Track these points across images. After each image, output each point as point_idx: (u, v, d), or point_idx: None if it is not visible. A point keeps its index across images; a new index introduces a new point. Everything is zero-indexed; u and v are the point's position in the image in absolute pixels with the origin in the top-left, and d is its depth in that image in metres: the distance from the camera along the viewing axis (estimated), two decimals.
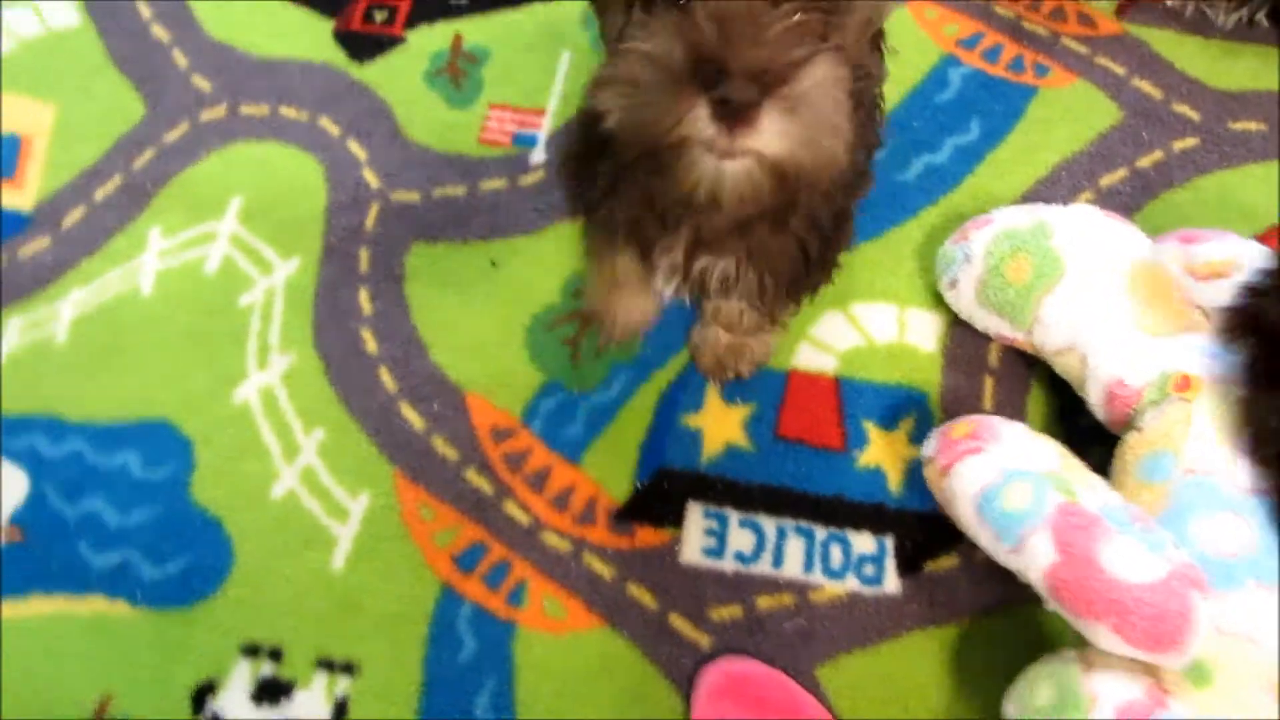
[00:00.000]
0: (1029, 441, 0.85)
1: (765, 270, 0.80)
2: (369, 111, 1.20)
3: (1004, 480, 0.81)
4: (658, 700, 0.91)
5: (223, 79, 1.21)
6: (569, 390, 1.04)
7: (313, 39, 1.25)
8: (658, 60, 0.54)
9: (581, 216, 0.89)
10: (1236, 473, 0.80)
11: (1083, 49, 1.26)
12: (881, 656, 0.92)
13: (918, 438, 1.01)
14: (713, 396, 1.03)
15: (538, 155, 1.17)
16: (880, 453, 1.01)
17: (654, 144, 0.56)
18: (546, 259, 1.11)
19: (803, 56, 0.54)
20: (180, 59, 1.23)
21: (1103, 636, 0.75)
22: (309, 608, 0.94)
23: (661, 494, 0.98)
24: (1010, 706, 0.82)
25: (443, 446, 1.00)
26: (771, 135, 0.54)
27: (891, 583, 0.95)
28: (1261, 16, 1.26)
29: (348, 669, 0.92)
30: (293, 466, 0.99)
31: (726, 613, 0.94)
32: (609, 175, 0.76)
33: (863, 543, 0.96)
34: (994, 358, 1.05)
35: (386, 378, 1.04)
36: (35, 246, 1.11)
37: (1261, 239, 1.05)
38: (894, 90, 1.21)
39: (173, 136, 1.17)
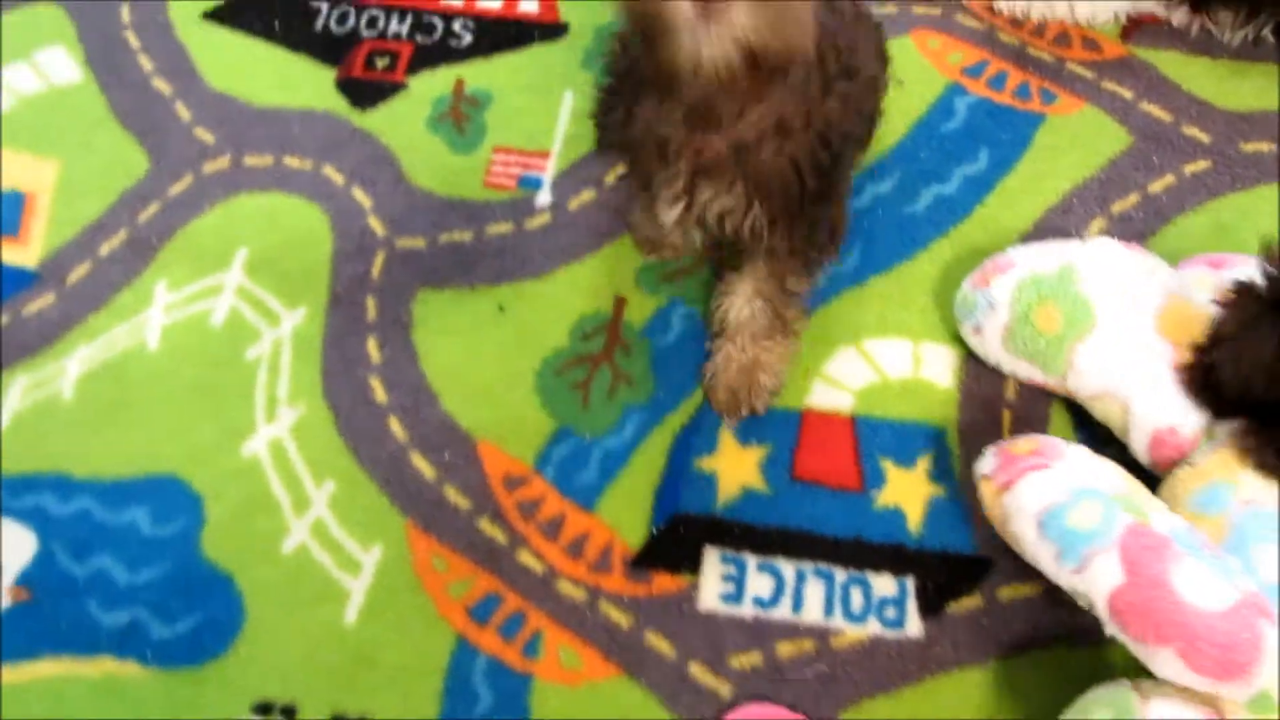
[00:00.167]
0: (1094, 461, 0.84)
1: (763, 197, 0.83)
2: (372, 159, 1.19)
3: (1072, 499, 0.79)
4: None
5: (225, 130, 1.21)
6: (581, 435, 1.02)
7: (315, 87, 1.25)
8: None
9: (606, 148, 0.94)
10: None
11: (1089, 73, 1.25)
12: (905, 701, 0.90)
13: (936, 475, 1.00)
14: (727, 439, 1.02)
15: (543, 198, 1.16)
16: (899, 492, 0.99)
17: (646, 21, 0.66)
18: (554, 302, 1.10)
19: None
20: (183, 111, 1.23)
21: (1166, 663, 0.74)
22: (322, 663, 0.92)
23: (677, 539, 0.97)
24: None
25: (455, 496, 0.99)
26: (741, 21, 0.63)
27: (914, 625, 0.93)
28: (1267, 33, 1.25)
29: None
30: (303, 520, 0.98)
31: (746, 660, 0.92)
32: (624, 112, 0.85)
33: (883, 585, 0.94)
34: (1011, 392, 1.03)
35: (396, 427, 1.02)
36: (41, 303, 1.10)
37: None
38: (900, 121, 1.20)
39: (177, 189, 1.17)
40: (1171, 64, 1.27)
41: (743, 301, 1.00)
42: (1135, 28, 1.29)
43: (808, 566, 0.96)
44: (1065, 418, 1.02)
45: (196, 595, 0.95)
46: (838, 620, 0.94)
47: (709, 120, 0.80)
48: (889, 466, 1.01)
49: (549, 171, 1.18)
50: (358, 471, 1.01)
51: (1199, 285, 0.96)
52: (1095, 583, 0.77)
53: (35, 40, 1.30)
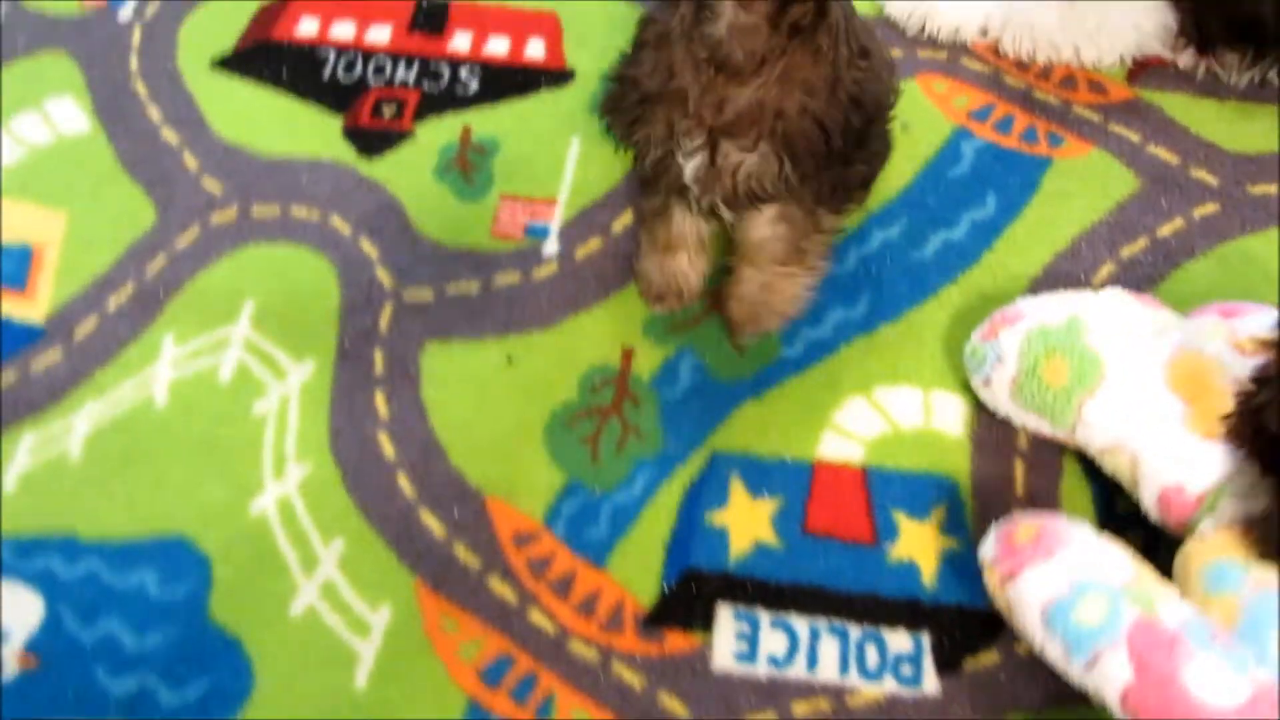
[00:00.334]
0: (1099, 548, 0.83)
1: (790, 155, 0.86)
2: (379, 208, 1.19)
3: (1076, 593, 0.79)
4: None
5: (233, 181, 1.21)
6: (590, 489, 1.02)
7: (322, 136, 1.25)
8: None
9: (623, 140, 0.96)
10: None
11: (1096, 117, 1.25)
12: None
13: (950, 527, 0.99)
14: (738, 491, 1.01)
15: (550, 247, 1.16)
16: (912, 545, 0.98)
17: None
18: (563, 353, 1.09)
19: None
20: (190, 162, 1.23)
21: None
22: None
23: (690, 597, 0.96)
24: None
25: (464, 554, 0.98)
26: None
27: (930, 683, 0.92)
28: (1273, 75, 1.25)
29: None
30: (312, 580, 0.97)
31: None
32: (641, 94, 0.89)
33: (899, 641, 0.94)
34: (1024, 441, 1.03)
35: (405, 484, 1.02)
36: (48, 359, 1.10)
37: None
38: (907, 166, 1.20)
39: (184, 241, 1.16)
40: (1179, 106, 1.27)
41: (764, 222, 1.01)
42: (1141, 70, 1.29)
43: (822, 623, 0.95)
44: (1078, 468, 1.01)
45: (205, 660, 0.94)
46: (853, 678, 0.93)
47: (730, 69, 0.82)
48: (902, 519, 1.00)
49: (556, 220, 1.18)
50: (366, 529, 1.00)
51: (1210, 335, 0.95)
52: (1105, 680, 0.76)
53: (44, 89, 1.30)
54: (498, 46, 1.32)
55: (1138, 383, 0.91)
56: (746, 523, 1.00)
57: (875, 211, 1.17)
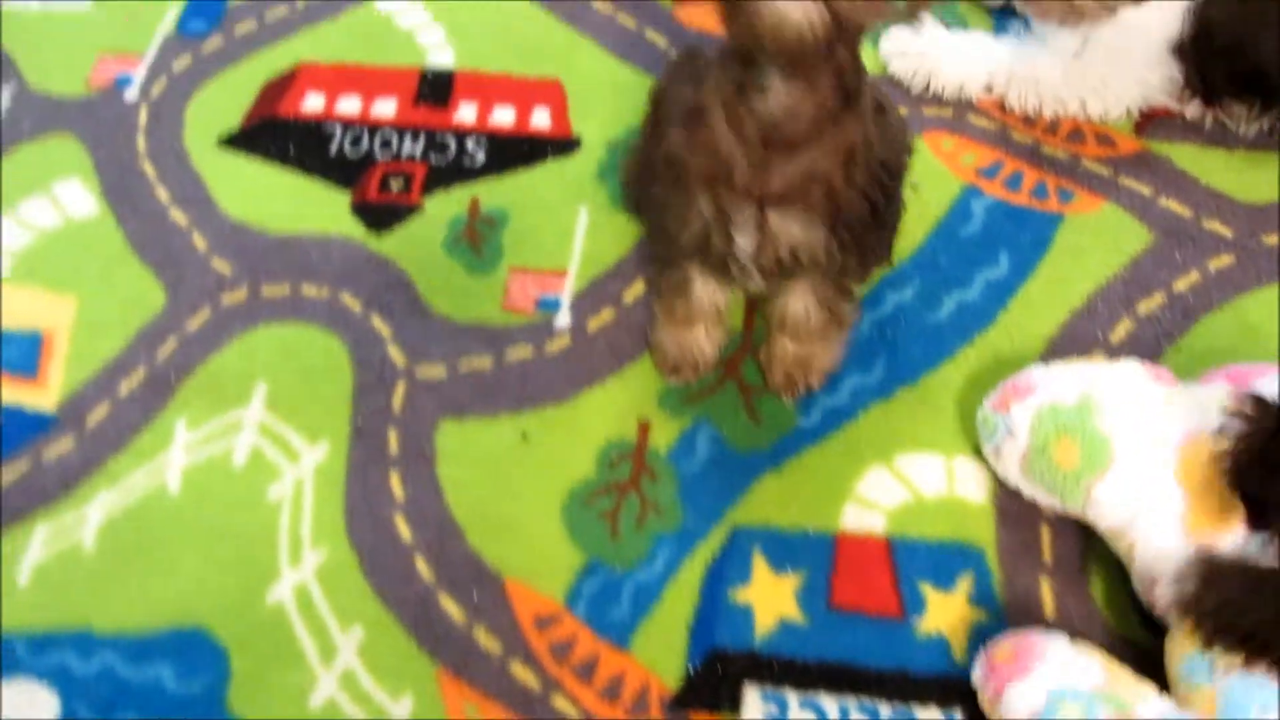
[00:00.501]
0: (1071, 657, 0.84)
1: (837, 224, 0.87)
2: (389, 284, 1.19)
3: (1052, 703, 0.80)
4: None
5: (242, 260, 1.21)
6: (611, 568, 1.01)
7: (330, 212, 1.25)
8: None
9: (649, 223, 0.97)
10: None
11: (1105, 170, 1.25)
12: None
13: (978, 598, 0.98)
14: (761, 567, 1.00)
15: (562, 319, 1.15)
16: (940, 618, 0.97)
17: None
18: (578, 428, 1.09)
19: None
20: (199, 242, 1.22)
21: None
22: None
23: (716, 678, 0.94)
24: None
25: (485, 639, 0.97)
26: None
27: None
28: None
29: None
30: (331, 671, 0.96)
31: None
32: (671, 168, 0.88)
33: (931, 719, 0.92)
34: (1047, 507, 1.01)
35: (423, 567, 1.01)
36: (60, 448, 1.09)
37: None
38: (917, 227, 1.20)
39: (195, 324, 1.16)
40: (1188, 157, 1.26)
41: (798, 301, 1.02)
42: (1149, 121, 1.29)
43: (851, 702, 0.93)
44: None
45: None
46: None
47: (781, 142, 0.82)
48: (929, 590, 0.98)
49: (567, 291, 1.17)
50: (385, 616, 0.99)
51: (1217, 408, 0.94)
52: None
53: (51, 172, 1.31)
54: (503, 117, 1.32)
55: (1145, 472, 0.91)
56: (771, 599, 0.99)
57: (887, 274, 1.17)
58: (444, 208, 1.25)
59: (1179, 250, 1.19)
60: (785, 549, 1.01)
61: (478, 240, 1.22)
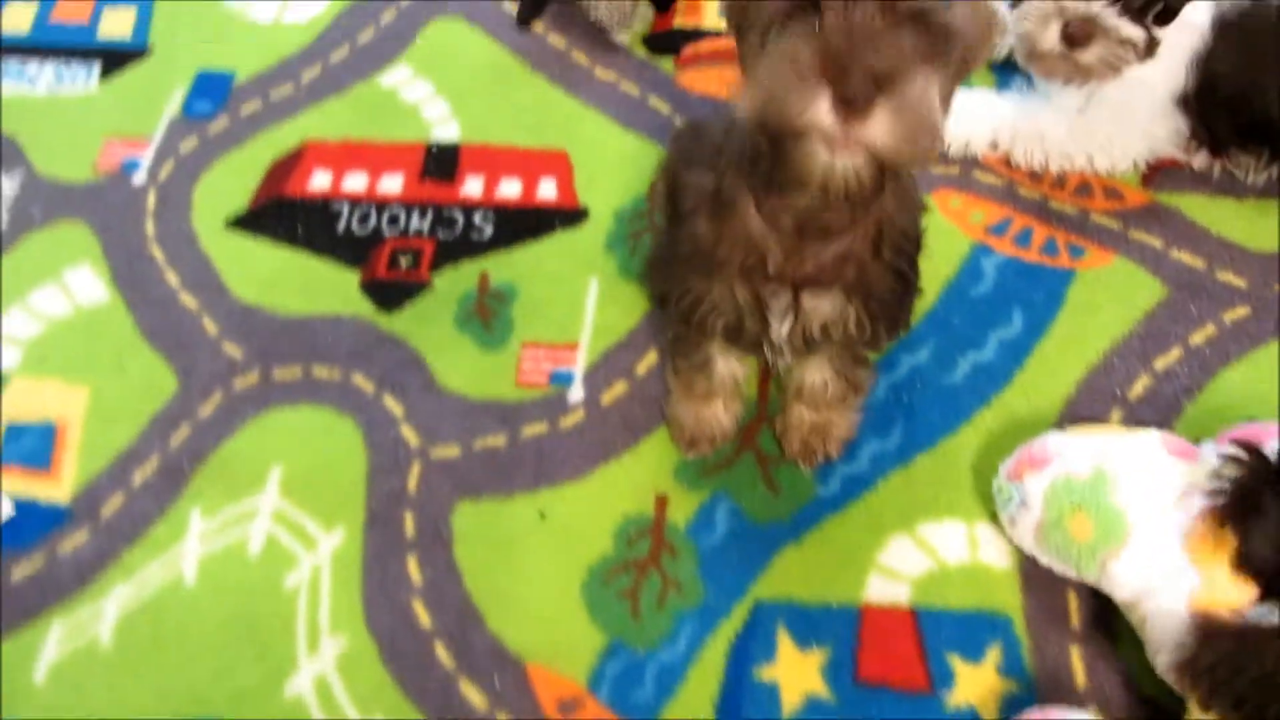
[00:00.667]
0: None
1: (868, 298, 0.87)
2: (401, 363, 1.18)
3: None
4: None
5: (253, 343, 1.21)
6: (633, 649, 0.99)
7: (340, 292, 1.25)
8: (792, 60, 0.65)
9: (676, 312, 0.95)
10: None
11: (1115, 224, 1.24)
12: None
13: (1007, 669, 0.96)
14: (785, 643, 0.99)
15: (575, 393, 1.15)
16: (970, 689, 0.95)
17: (781, 130, 0.67)
18: (595, 505, 1.08)
19: (912, 67, 0.65)
20: (210, 326, 1.22)
21: None
22: None
23: None
24: None
25: None
26: (880, 129, 0.64)
27: None
28: None
29: None
30: None
31: None
32: (698, 254, 0.88)
33: None
34: None
35: (443, 654, 1.00)
36: (75, 541, 1.09)
37: None
38: (929, 287, 1.19)
39: (207, 410, 1.16)
40: (1197, 208, 1.26)
41: (815, 370, 1.02)
42: (1156, 173, 1.29)
43: None
44: None
45: None
46: None
47: (821, 233, 0.82)
48: (957, 662, 0.97)
49: (579, 365, 1.17)
50: (406, 705, 0.98)
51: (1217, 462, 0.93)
52: None
53: (61, 260, 1.31)
54: (510, 189, 1.32)
55: (1159, 549, 0.90)
56: (797, 676, 0.97)
57: (903, 336, 1.16)
58: (454, 283, 1.25)
59: (1193, 303, 1.18)
60: (809, 623, 1.00)
61: (488, 315, 1.21)
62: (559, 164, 1.34)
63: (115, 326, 1.24)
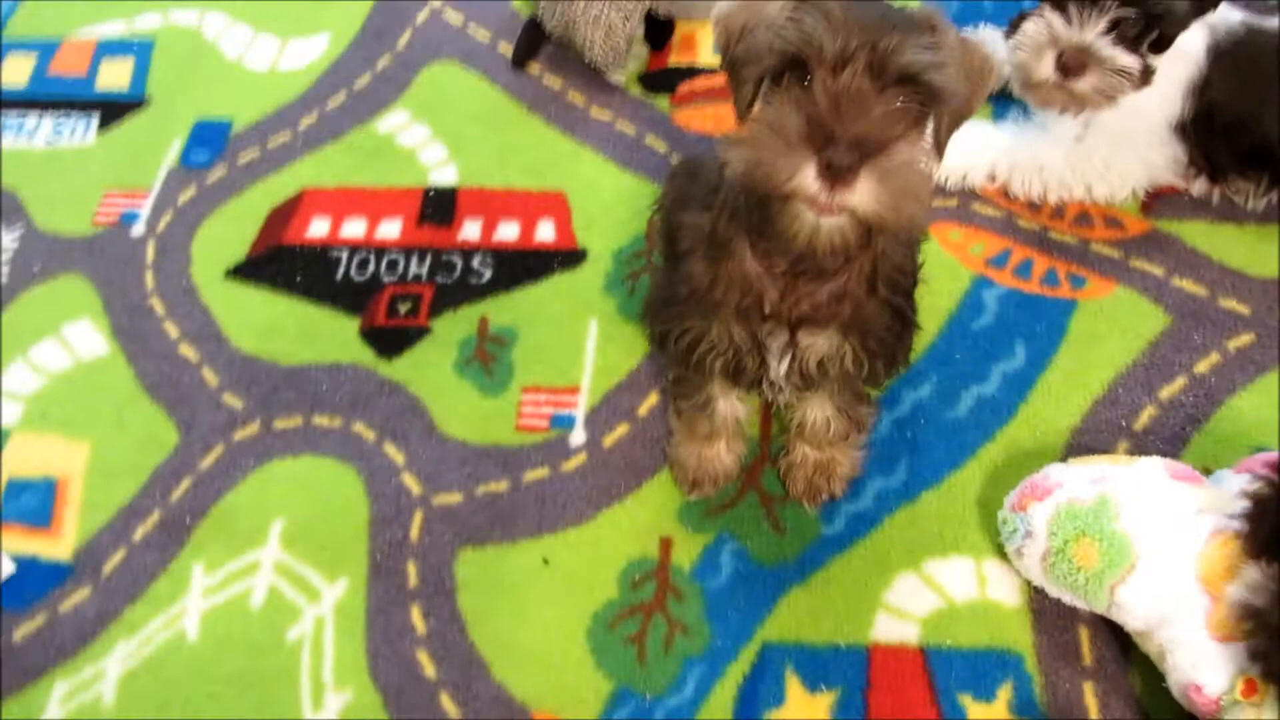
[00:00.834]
0: None
1: (865, 335, 0.87)
2: (402, 410, 1.18)
3: None
4: None
5: (254, 394, 1.20)
6: (640, 695, 0.98)
7: (340, 340, 1.24)
8: (779, 126, 0.67)
9: (673, 356, 0.96)
10: None
11: (1115, 253, 1.24)
12: None
13: (1019, 707, 0.95)
14: (794, 686, 0.98)
15: (577, 437, 1.14)
16: None
17: (768, 193, 0.69)
18: (600, 550, 1.07)
19: (898, 134, 0.67)
20: (210, 377, 1.22)
21: None
22: None
23: None
24: None
25: None
26: (864, 195, 0.66)
27: None
28: None
29: None
30: None
31: None
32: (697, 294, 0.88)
33: None
34: None
35: (449, 704, 0.99)
36: (76, 599, 1.08)
37: None
38: (930, 321, 1.18)
39: (207, 462, 1.15)
40: (1198, 234, 1.25)
41: (817, 408, 1.01)
42: (1155, 200, 1.29)
43: None
44: None
45: None
46: None
47: (814, 273, 0.82)
48: (968, 703, 0.96)
49: (581, 408, 1.16)
50: None
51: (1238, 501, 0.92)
52: None
53: (61, 314, 1.31)
54: (508, 231, 1.33)
55: (1168, 574, 0.89)
56: (806, 719, 0.96)
57: (903, 372, 1.15)
58: (453, 328, 1.25)
59: (1197, 331, 1.17)
60: (818, 665, 0.99)
61: (488, 360, 1.21)
62: (557, 205, 1.34)
63: (115, 380, 1.24)
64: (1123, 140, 1.23)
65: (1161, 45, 1.09)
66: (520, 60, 1.48)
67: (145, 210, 1.39)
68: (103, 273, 1.34)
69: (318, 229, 1.35)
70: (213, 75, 1.53)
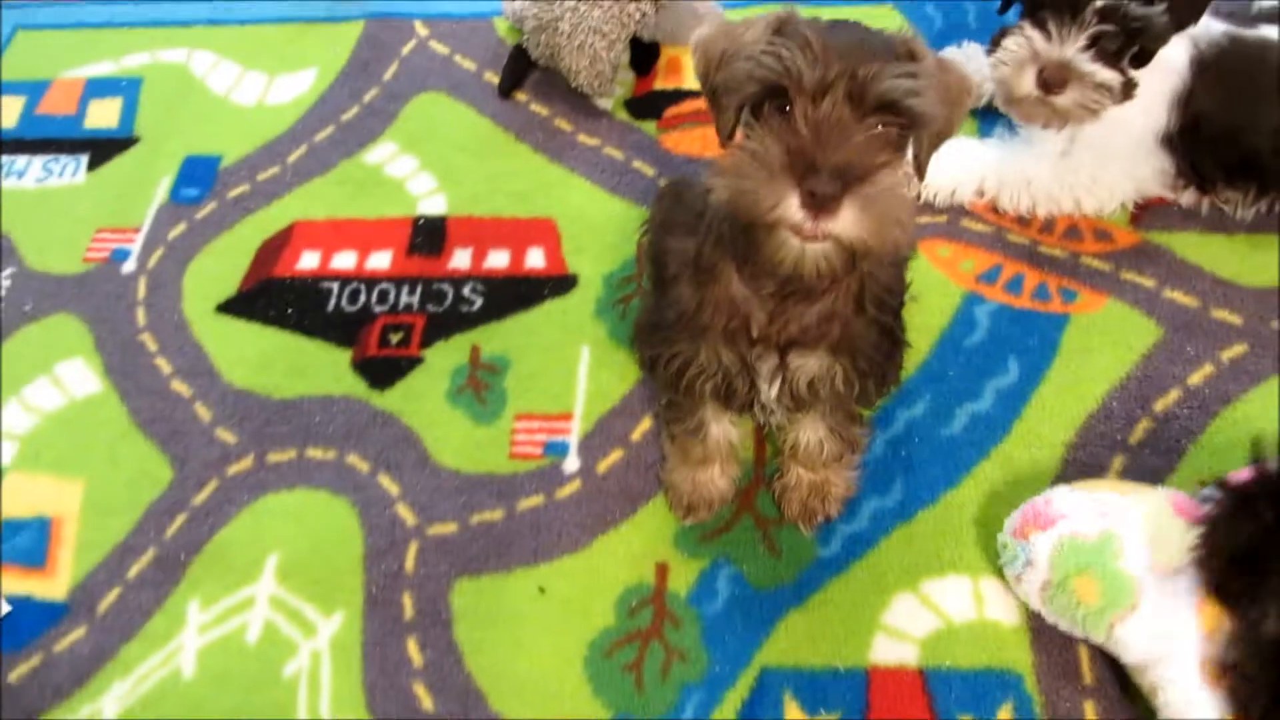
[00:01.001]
0: None
1: (854, 355, 0.87)
2: (396, 440, 1.17)
3: None
4: None
5: (247, 428, 1.20)
6: None
7: (332, 372, 1.24)
8: (761, 156, 0.68)
9: (663, 380, 0.96)
10: None
11: (1106, 266, 1.24)
12: None
13: None
14: (793, 710, 0.97)
15: (571, 463, 1.14)
16: None
17: (753, 221, 0.69)
18: (595, 577, 1.07)
19: (880, 161, 0.67)
20: (203, 412, 1.22)
21: None
22: None
23: None
24: None
25: None
26: (848, 222, 0.66)
27: None
28: None
29: None
30: None
31: None
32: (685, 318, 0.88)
33: None
34: None
35: None
36: (72, 638, 1.07)
37: None
38: (922, 339, 1.18)
39: (201, 498, 1.15)
40: (1188, 245, 1.25)
41: (809, 430, 1.01)
42: (1144, 212, 1.29)
43: None
44: None
45: None
46: None
47: (802, 295, 0.83)
48: None
49: (574, 434, 1.16)
50: None
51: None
52: None
53: (54, 353, 1.31)
54: (498, 259, 1.33)
55: (1168, 617, 0.88)
56: None
57: (895, 391, 1.15)
58: (445, 357, 1.24)
59: (1190, 343, 1.17)
60: (817, 689, 0.99)
61: (481, 388, 1.21)
62: (546, 232, 1.34)
63: (108, 417, 1.24)
64: (1109, 153, 1.23)
65: (1142, 59, 1.09)
66: (507, 89, 1.48)
67: (136, 247, 1.39)
68: (94, 310, 1.34)
69: (308, 261, 1.35)
70: (201, 112, 1.53)
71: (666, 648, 1.01)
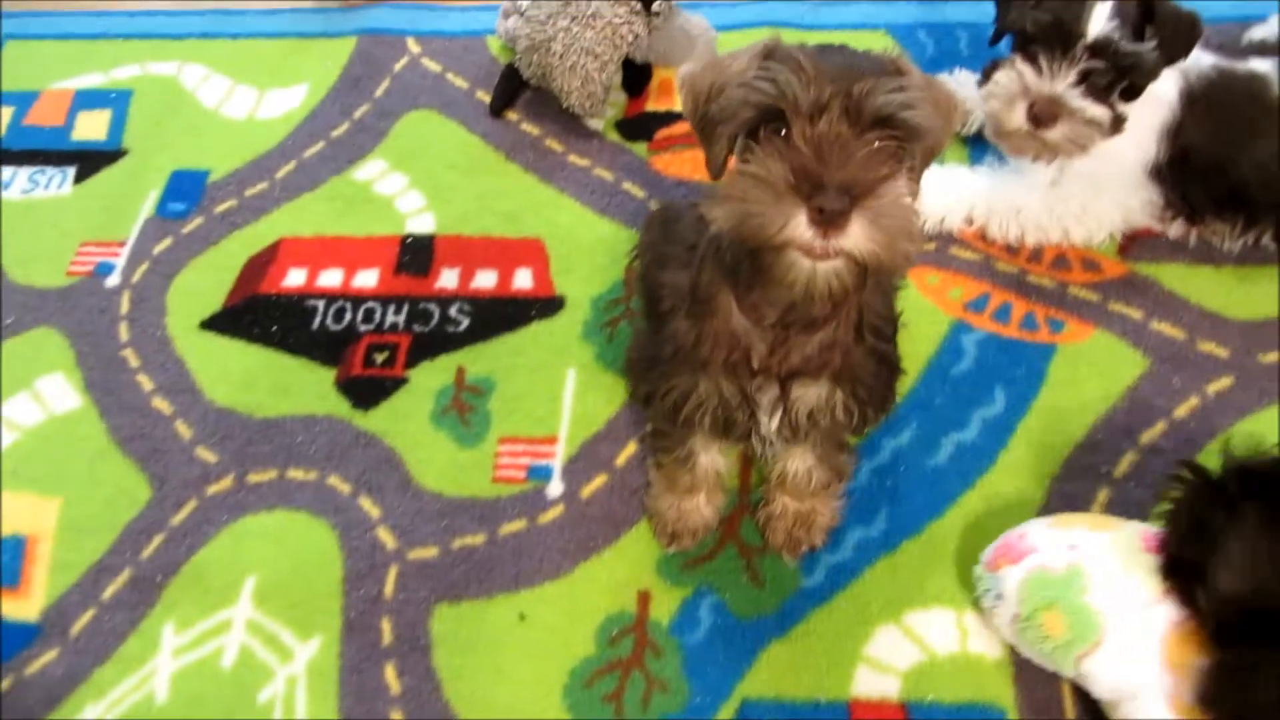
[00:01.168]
0: None
1: (855, 383, 0.87)
2: (378, 462, 1.16)
3: None
4: None
5: (227, 447, 1.19)
6: None
7: (315, 391, 1.23)
8: (764, 178, 0.67)
9: (660, 413, 0.95)
10: None
11: (1093, 296, 1.23)
12: None
13: None
14: None
15: (554, 488, 1.13)
16: None
17: (761, 244, 0.69)
18: (577, 604, 1.06)
19: (884, 175, 0.67)
20: (184, 430, 1.21)
21: None
22: None
23: None
24: None
25: None
26: (858, 237, 0.66)
27: None
28: (1268, 239, 1.24)
29: None
30: None
31: None
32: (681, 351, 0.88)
33: None
34: None
35: None
36: (44, 660, 1.06)
37: None
38: (910, 367, 1.18)
39: (179, 518, 1.14)
40: (1175, 277, 1.25)
41: (797, 460, 1.01)
42: (1132, 243, 1.28)
43: None
44: None
45: None
46: None
47: (804, 325, 0.82)
48: None
49: (558, 458, 1.15)
50: None
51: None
52: None
53: (34, 368, 1.30)
54: (486, 280, 1.32)
55: (1133, 653, 0.88)
56: None
57: (884, 419, 1.14)
58: (430, 378, 1.24)
59: (1176, 375, 1.17)
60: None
61: (465, 410, 1.20)
62: (535, 253, 1.34)
63: (88, 434, 1.23)
64: (1098, 184, 1.23)
65: (1132, 94, 1.09)
66: (498, 108, 1.48)
67: (121, 261, 1.38)
68: (76, 325, 1.33)
69: (294, 279, 1.34)
70: (190, 125, 1.53)
71: (648, 678, 1.01)
